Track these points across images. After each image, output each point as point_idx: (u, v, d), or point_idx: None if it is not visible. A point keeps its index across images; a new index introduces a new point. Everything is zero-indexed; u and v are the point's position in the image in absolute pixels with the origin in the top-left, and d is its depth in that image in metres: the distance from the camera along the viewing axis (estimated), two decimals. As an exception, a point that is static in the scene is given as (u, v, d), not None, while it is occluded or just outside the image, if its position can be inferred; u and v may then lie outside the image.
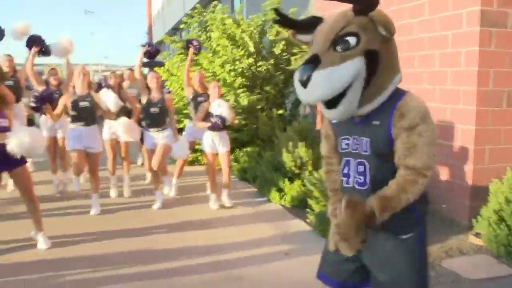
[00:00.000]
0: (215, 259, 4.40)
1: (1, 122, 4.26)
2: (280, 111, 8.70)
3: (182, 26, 10.91)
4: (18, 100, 6.42)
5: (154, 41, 49.39)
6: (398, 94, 2.05)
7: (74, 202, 6.32)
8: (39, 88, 6.41)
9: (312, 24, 2.11)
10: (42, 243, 4.65)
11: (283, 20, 2.14)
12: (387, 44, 2.02)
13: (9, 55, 7.10)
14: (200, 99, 6.51)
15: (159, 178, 6.30)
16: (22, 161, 4.45)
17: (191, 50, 6.75)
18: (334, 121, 2.23)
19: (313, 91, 1.93)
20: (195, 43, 6.86)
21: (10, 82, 6.41)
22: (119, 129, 6.08)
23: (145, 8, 57.35)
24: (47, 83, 7.00)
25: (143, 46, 6.33)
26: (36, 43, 6.58)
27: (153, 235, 5.11)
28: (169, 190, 6.64)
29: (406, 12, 5.88)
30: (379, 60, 1.99)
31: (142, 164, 8.34)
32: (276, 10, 2.09)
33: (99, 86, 7.29)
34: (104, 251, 4.61)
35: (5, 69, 5.89)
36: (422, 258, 2.16)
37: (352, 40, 1.95)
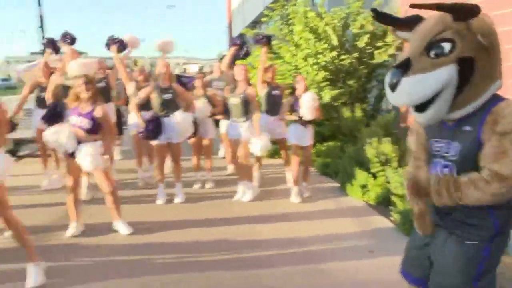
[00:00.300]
0: (295, 252, 4.42)
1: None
2: (363, 106, 8.52)
3: (263, 19, 10.95)
4: (109, 99, 6.79)
5: (234, 34, 50.23)
6: (494, 99, 1.97)
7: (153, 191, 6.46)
8: (129, 85, 6.68)
9: (412, 22, 2.10)
10: (124, 229, 4.93)
11: (383, 18, 2.13)
12: (486, 51, 1.94)
13: (101, 58, 7.48)
14: (275, 92, 6.55)
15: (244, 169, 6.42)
16: None
17: (264, 49, 6.57)
18: None
19: (400, 96, 1.95)
20: (238, 42, 6.77)
21: (102, 84, 6.78)
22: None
23: (225, 2, 58.49)
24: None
25: (235, 45, 6.36)
26: (115, 43, 6.82)
27: (234, 225, 5.21)
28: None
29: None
30: (474, 68, 1.93)
31: (224, 157, 8.52)
32: (374, 10, 2.09)
33: (179, 79, 7.53)
34: (186, 239, 4.78)
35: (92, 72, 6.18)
36: (483, 269, 2.07)
37: (446, 46, 1.92)
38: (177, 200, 6.04)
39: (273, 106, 6.44)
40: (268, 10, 10.09)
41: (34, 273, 3.75)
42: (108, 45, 6.74)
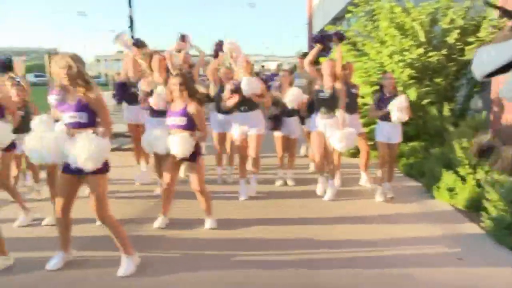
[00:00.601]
0: (377, 254, 4.33)
1: None
2: (451, 105, 8.11)
3: (347, 15, 10.74)
4: None
5: (314, 31, 49.92)
6: None
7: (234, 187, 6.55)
8: (212, 84, 6.73)
9: None
10: (209, 224, 5.07)
11: (508, 14, 2.02)
12: None
13: (186, 53, 7.60)
14: (353, 90, 6.46)
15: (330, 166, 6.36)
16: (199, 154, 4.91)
17: (339, 46, 6.29)
18: None
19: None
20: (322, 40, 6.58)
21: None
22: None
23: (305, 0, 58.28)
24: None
25: (317, 41, 6.29)
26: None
27: (314, 225, 5.18)
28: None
29: None
30: None
31: (305, 155, 8.53)
32: (488, 3, 1.99)
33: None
34: (266, 236, 4.83)
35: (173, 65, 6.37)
36: None
37: None
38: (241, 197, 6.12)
39: (351, 104, 6.32)
40: (352, 6, 9.88)
41: (126, 263, 3.97)
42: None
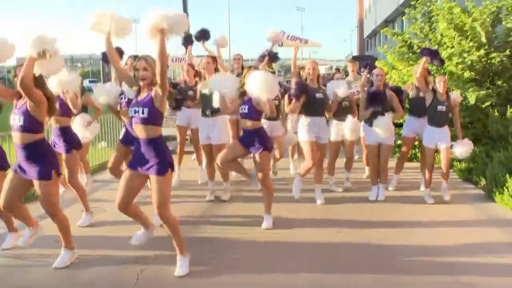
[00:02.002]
0: (432, 261, 4.19)
1: None
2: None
3: (403, 17, 10.53)
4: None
5: (365, 34, 49.28)
6: None
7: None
8: None
9: None
10: (267, 224, 5.10)
11: None
12: None
13: (238, 54, 7.65)
14: (422, 94, 6.27)
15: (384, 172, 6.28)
16: (268, 147, 5.07)
17: (425, 59, 6.05)
18: None
19: None
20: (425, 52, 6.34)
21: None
22: (346, 129, 6.48)
23: (355, 3, 57.73)
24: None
25: (425, 54, 6.11)
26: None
27: (368, 229, 5.07)
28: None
29: None
30: None
31: (358, 158, 8.40)
32: None
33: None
34: (320, 239, 4.78)
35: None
36: None
37: None
38: (318, 202, 6.07)
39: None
40: (408, 8, 9.68)
41: (183, 263, 4.01)
42: None
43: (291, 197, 5.90)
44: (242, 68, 7.17)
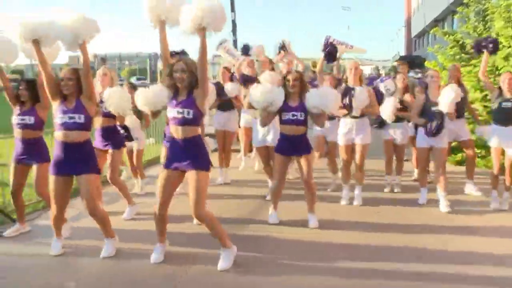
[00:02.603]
0: (492, 269, 3.99)
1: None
2: None
3: (455, 16, 10.16)
4: None
5: (413, 34, 48.10)
6: None
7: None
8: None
9: None
10: (314, 223, 5.09)
11: None
12: None
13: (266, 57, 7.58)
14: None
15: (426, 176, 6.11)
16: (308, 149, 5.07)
17: (486, 52, 5.91)
18: None
19: None
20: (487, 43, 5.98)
21: None
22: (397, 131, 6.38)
23: (403, 2, 56.46)
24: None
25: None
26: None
27: (417, 234, 4.89)
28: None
29: None
30: None
31: (406, 159, 8.14)
32: None
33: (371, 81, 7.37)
34: (360, 242, 4.66)
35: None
36: None
37: None
38: (355, 202, 5.97)
39: (458, 108, 5.95)
40: (460, 6, 9.34)
41: (225, 257, 4.03)
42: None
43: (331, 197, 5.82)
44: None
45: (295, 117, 4.94)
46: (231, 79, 7.06)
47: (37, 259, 4.34)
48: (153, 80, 48.45)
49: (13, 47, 4.66)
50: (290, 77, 5.01)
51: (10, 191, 4.95)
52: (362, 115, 5.83)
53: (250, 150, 8.26)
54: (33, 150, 4.79)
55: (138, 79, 54.48)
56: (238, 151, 8.44)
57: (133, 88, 6.24)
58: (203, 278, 3.90)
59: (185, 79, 3.86)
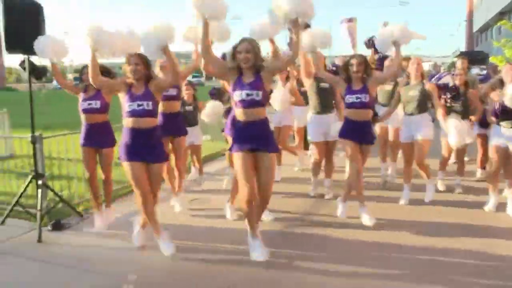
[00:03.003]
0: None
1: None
2: None
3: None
4: None
5: (475, 28, 46.06)
6: None
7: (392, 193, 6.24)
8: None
9: None
10: (368, 220, 4.92)
11: None
12: None
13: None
14: None
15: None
16: None
17: None
18: None
19: None
20: None
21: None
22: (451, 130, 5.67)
23: (465, -5, 54.13)
24: None
25: None
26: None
27: (476, 238, 4.64)
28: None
29: None
30: None
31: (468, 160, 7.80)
32: None
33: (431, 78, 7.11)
34: (417, 243, 4.49)
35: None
36: None
37: None
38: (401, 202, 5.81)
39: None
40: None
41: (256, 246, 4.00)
42: None
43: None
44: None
45: (359, 100, 4.85)
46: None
47: (99, 249, 4.51)
48: (208, 77, 49.64)
49: (62, 46, 4.90)
50: (354, 61, 4.89)
51: (86, 178, 5.09)
52: (423, 110, 5.65)
53: (306, 148, 8.15)
54: (100, 134, 4.93)
55: (194, 76, 55.49)
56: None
57: (191, 86, 6.33)
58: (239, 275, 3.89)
59: (250, 59, 3.87)
